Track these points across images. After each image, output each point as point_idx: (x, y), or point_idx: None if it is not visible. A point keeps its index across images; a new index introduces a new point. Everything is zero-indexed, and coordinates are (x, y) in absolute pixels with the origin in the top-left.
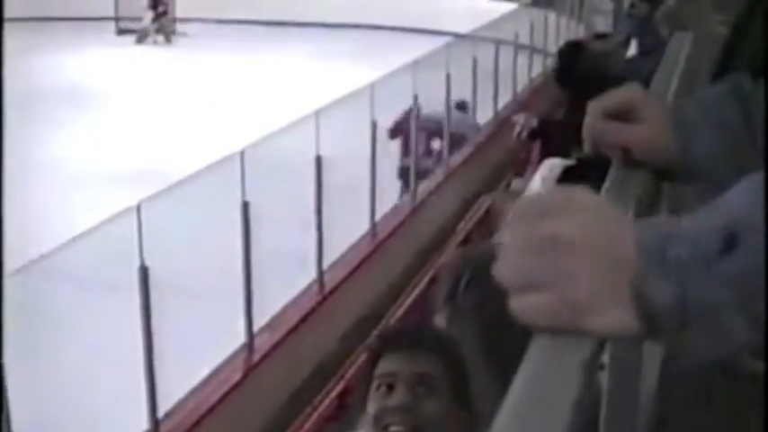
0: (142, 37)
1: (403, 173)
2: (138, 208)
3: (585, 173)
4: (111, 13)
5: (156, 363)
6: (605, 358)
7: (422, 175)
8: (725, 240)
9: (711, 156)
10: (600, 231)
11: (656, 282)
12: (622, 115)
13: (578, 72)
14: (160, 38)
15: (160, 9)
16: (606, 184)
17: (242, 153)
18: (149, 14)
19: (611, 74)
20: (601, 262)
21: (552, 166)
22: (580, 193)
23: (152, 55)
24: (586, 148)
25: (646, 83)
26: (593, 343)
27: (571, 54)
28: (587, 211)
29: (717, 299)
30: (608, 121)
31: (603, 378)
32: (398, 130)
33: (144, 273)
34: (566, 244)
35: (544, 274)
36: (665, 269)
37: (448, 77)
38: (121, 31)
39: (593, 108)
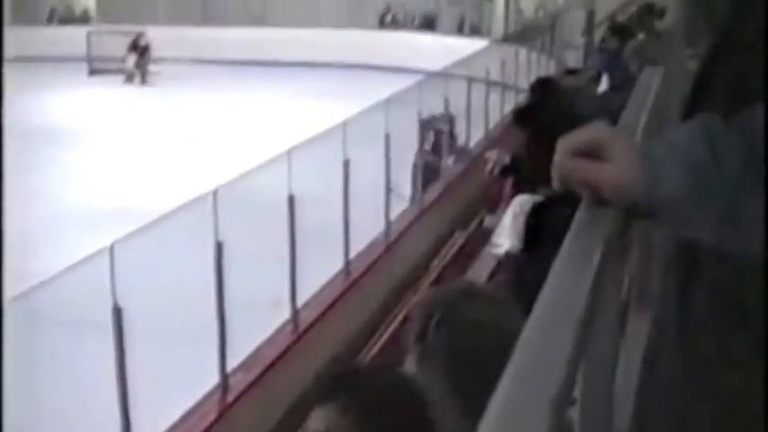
0: (129, 78)
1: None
2: (111, 248)
3: (556, 209)
4: (82, 54)
5: (130, 403)
6: (576, 393)
7: None
8: None
9: (678, 192)
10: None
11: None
12: (591, 153)
13: (546, 110)
14: (138, 78)
15: (140, 51)
16: (575, 222)
17: (215, 193)
18: (132, 57)
19: (579, 111)
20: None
21: (523, 202)
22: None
23: (131, 94)
24: (555, 185)
25: (617, 118)
26: (561, 379)
27: (542, 90)
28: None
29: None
30: (576, 159)
31: (575, 413)
32: None
33: (117, 314)
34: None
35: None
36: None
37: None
38: (93, 72)
39: (562, 146)
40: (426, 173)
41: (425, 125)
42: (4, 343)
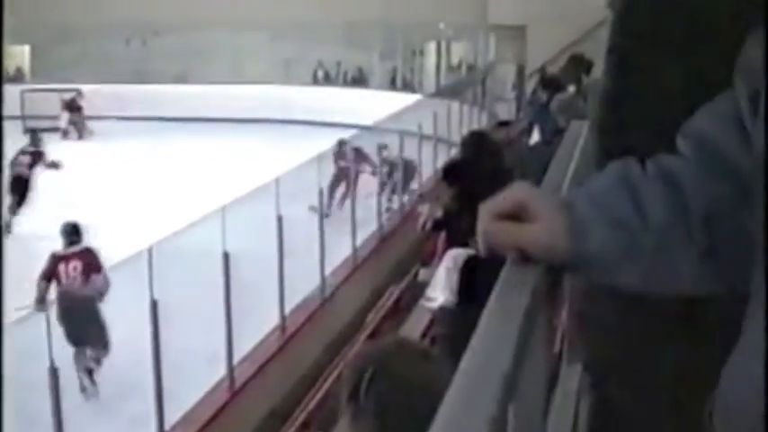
0: (65, 134)
1: None
2: (47, 305)
3: (488, 263)
4: (17, 112)
5: None
6: None
7: None
8: None
9: (605, 250)
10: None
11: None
12: (514, 214)
13: (474, 166)
14: (74, 135)
15: (75, 108)
16: (501, 278)
17: (150, 250)
18: (65, 115)
19: (508, 165)
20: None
21: (456, 256)
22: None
23: (68, 150)
24: (481, 250)
25: (546, 170)
26: (491, 429)
27: (474, 144)
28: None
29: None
30: (499, 222)
31: None
32: None
33: (54, 373)
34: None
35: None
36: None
37: (320, 194)
38: (28, 130)
39: (484, 210)
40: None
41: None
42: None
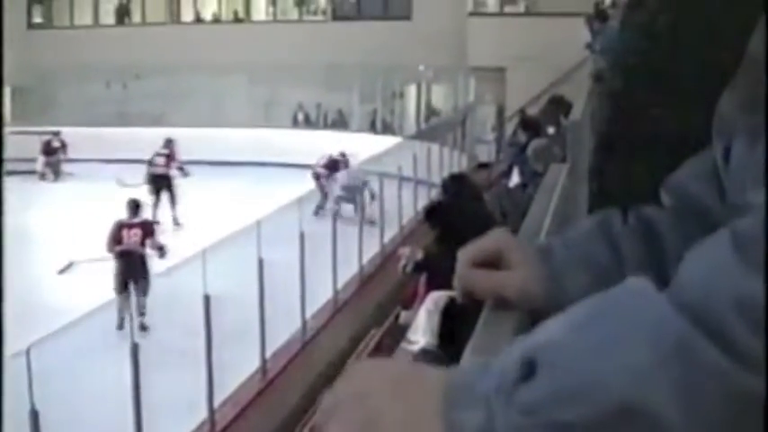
0: (42, 177)
1: None
2: (28, 352)
3: (469, 305)
4: None
5: None
6: None
7: None
8: (522, 369)
9: (582, 295)
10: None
11: (462, 413)
12: (491, 261)
13: (454, 208)
14: (51, 176)
15: (52, 150)
16: (479, 323)
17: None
18: (41, 159)
19: (488, 208)
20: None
21: (437, 298)
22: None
23: (42, 192)
24: (458, 296)
25: (525, 213)
26: None
27: (453, 186)
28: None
29: (519, 426)
30: (477, 270)
31: None
32: None
33: (34, 416)
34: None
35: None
36: (471, 401)
37: (302, 237)
38: (7, 173)
39: (462, 256)
40: None
41: None
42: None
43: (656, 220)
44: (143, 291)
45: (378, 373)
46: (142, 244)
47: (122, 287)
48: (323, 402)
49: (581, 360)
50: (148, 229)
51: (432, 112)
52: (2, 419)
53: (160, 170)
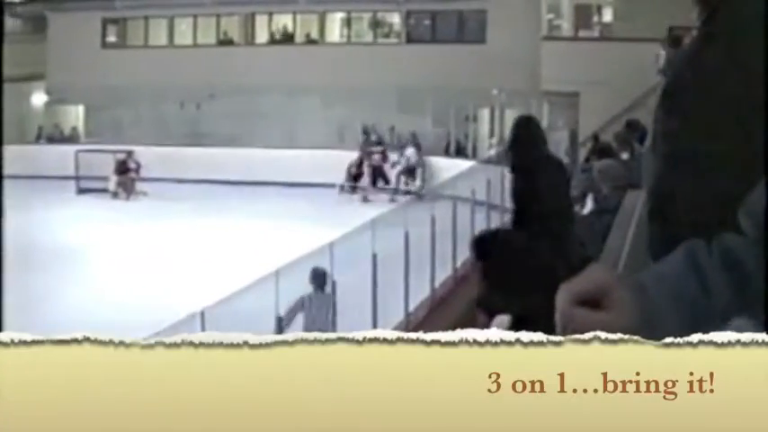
0: (114, 196)
1: None
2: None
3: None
4: (71, 172)
5: None
6: None
7: None
8: None
9: (673, 332)
10: None
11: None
12: (591, 299)
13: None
14: (123, 195)
15: (125, 170)
16: None
17: (202, 314)
18: (114, 178)
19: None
20: None
21: (499, 322)
22: None
23: (112, 211)
24: (558, 331)
25: (603, 239)
26: None
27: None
28: None
29: None
30: (579, 309)
31: None
32: None
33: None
34: None
35: None
36: None
37: (375, 258)
38: (81, 191)
39: (564, 293)
40: None
41: None
42: None
43: (735, 248)
44: None
45: None
46: None
47: None
48: None
49: None
50: None
51: (505, 136)
52: None
53: None
